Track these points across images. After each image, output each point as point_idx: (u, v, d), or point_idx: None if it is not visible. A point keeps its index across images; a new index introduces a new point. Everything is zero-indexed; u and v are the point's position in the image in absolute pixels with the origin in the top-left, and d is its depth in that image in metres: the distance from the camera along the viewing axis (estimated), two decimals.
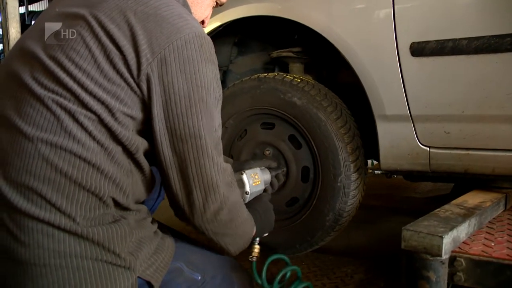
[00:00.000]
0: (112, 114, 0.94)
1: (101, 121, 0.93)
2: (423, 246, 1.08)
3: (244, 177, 1.38)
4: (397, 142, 1.58)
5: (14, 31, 6.20)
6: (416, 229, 1.10)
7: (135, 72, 0.95)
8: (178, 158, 1.01)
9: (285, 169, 1.69)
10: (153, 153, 1.05)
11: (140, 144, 1.01)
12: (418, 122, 1.53)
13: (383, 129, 1.59)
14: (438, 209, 1.32)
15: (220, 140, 1.08)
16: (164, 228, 1.20)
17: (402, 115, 1.54)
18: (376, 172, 4.34)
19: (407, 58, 1.49)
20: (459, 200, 1.46)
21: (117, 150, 0.97)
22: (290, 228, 1.84)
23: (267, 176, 1.51)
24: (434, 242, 1.07)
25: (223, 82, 2.33)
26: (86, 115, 0.92)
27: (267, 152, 1.86)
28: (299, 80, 1.77)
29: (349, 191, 1.70)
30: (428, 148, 1.56)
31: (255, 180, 1.42)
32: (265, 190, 1.53)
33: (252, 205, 1.38)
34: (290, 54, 1.97)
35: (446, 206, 1.36)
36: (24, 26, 6.98)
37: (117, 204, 0.99)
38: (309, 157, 1.78)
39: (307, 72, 2.09)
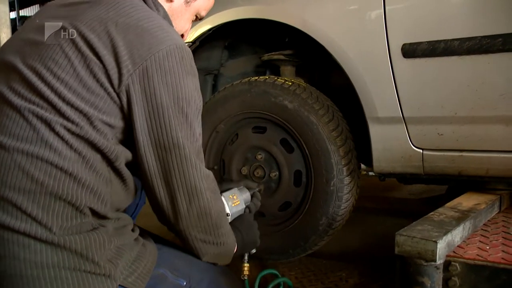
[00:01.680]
0: (91, 123, 0.94)
1: (78, 130, 0.93)
2: (417, 251, 1.06)
3: (222, 199, 1.36)
4: (390, 144, 1.56)
5: (5, 36, 6.14)
6: (410, 234, 1.07)
7: (115, 82, 0.95)
8: (162, 168, 1.02)
9: (260, 188, 1.67)
10: (135, 163, 1.05)
11: (119, 153, 1.00)
12: (411, 124, 1.51)
13: (375, 131, 1.57)
14: (432, 213, 1.30)
15: (201, 148, 1.09)
16: (146, 235, 1.18)
17: (394, 117, 1.53)
18: (371, 174, 4.33)
19: (399, 59, 1.47)
20: (453, 202, 1.44)
21: (95, 158, 0.96)
22: (283, 233, 1.81)
23: (246, 195, 1.49)
24: (428, 247, 1.05)
25: (214, 86, 2.31)
26: (62, 124, 0.92)
27: (259, 157, 1.84)
28: (290, 83, 1.75)
29: (342, 195, 1.68)
30: (421, 150, 1.54)
31: (234, 201, 1.40)
32: (247, 209, 1.51)
33: (234, 224, 1.37)
34: (281, 57, 1.95)
35: (440, 209, 1.34)
36: (15, 31, 6.92)
37: (94, 213, 0.97)
38: (301, 161, 1.76)
39: (299, 75, 2.07)
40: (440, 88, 1.45)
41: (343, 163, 1.66)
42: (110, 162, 0.99)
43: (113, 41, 0.95)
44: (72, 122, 0.92)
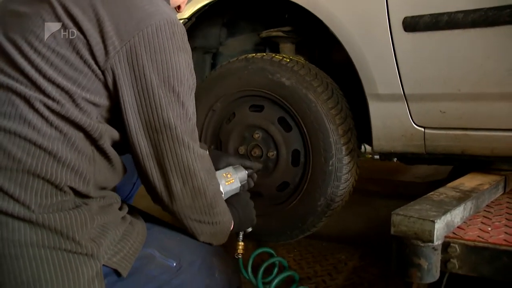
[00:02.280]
0: (73, 101, 0.91)
1: (59, 108, 0.89)
2: (413, 232, 1.01)
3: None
4: (390, 122, 1.50)
5: None
6: (406, 214, 1.03)
7: (101, 59, 0.91)
8: (154, 149, 1.00)
9: (257, 168, 1.64)
10: (124, 143, 1.02)
11: (104, 131, 0.97)
12: (412, 101, 1.45)
13: (375, 109, 1.52)
14: (432, 193, 1.25)
15: (195, 127, 1.07)
16: (135, 214, 1.15)
17: (395, 94, 1.46)
18: (376, 157, 4.27)
19: (400, 33, 1.41)
20: (455, 182, 1.39)
21: (77, 136, 0.93)
22: (281, 214, 1.77)
23: (241, 174, 1.46)
24: (425, 227, 1.00)
25: (213, 65, 2.26)
26: (42, 101, 0.88)
27: (257, 136, 1.79)
28: (288, 60, 1.69)
29: (341, 175, 1.63)
30: (422, 129, 1.48)
31: (228, 179, 1.39)
32: (242, 188, 1.48)
33: (230, 201, 1.35)
34: (280, 33, 1.89)
35: (441, 189, 1.29)
36: None
37: (76, 191, 0.94)
38: (300, 140, 1.70)
39: (299, 52, 2.00)
40: (443, 63, 1.38)
41: (342, 142, 1.60)
42: (93, 141, 0.96)
43: (99, 16, 0.91)
44: (53, 99, 0.89)
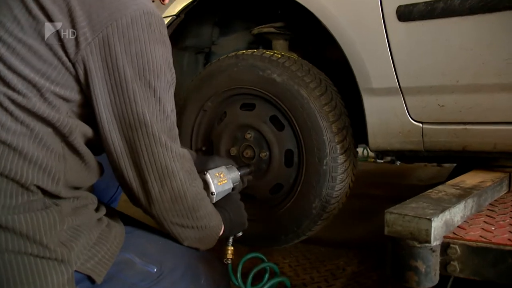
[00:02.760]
0: (41, 95, 0.85)
1: (25, 101, 0.83)
2: (409, 231, 0.93)
3: (208, 177, 1.29)
4: (386, 118, 1.42)
5: None
6: (401, 212, 0.95)
7: (71, 51, 0.85)
8: (129, 147, 0.94)
9: (250, 169, 1.58)
10: (98, 141, 0.96)
11: (74, 127, 0.91)
12: (409, 95, 1.37)
13: (370, 104, 1.44)
14: (430, 190, 1.17)
15: (174, 125, 1.01)
16: (115, 216, 1.09)
17: (390, 88, 1.39)
18: (379, 161, 4.18)
19: (394, 23, 1.33)
20: (456, 180, 1.30)
21: (46, 132, 0.87)
22: (274, 218, 1.69)
23: (234, 174, 1.41)
24: (421, 226, 0.92)
25: (206, 65, 2.19)
26: (6, 95, 0.83)
27: (248, 136, 1.71)
28: (279, 56, 1.62)
29: (336, 175, 1.55)
30: (420, 124, 1.40)
31: (220, 179, 1.33)
32: (234, 190, 1.43)
33: (220, 204, 1.30)
34: (272, 29, 1.83)
35: (440, 187, 1.21)
36: None
37: (45, 191, 0.87)
38: (293, 139, 1.63)
39: (292, 49, 1.93)
40: (440, 54, 1.30)
41: (336, 140, 1.53)
42: (63, 137, 0.90)
43: (70, 5, 0.86)
44: (19, 92, 0.83)
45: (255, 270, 1.40)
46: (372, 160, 4.15)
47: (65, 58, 0.85)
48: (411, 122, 1.39)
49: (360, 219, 2.36)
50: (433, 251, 0.94)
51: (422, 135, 1.39)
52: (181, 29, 1.94)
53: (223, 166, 1.40)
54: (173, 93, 1.02)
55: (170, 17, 1.79)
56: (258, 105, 1.70)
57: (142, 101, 0.91)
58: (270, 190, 1.72)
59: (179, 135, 1.76)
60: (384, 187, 3.15)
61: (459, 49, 1.28)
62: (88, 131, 0.94)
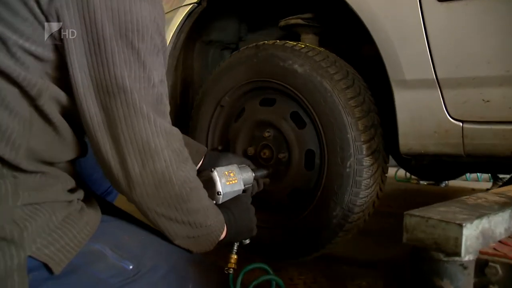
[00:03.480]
0: (7, 49, 0.75)
1: None
2: (433, 240, 0.74)
3: (215, 174, 1.17)
4: (419, 115, 1.23)
5: None
6: (424, 215, 0.75)
7: (44, 1, 0.76)
8: (107, 117, 0.83)
9: (267, 171, 1.46)
10: (76, 110, 0.84)
11: (44, 89, 0.80)
12: (447, 88, 1.18)
13: (401, 99, 1.25)
14: (466, 196, 0.96)
15: (162, 98, 0.89)
16: (93, 202, 0.95)
17: (425, 80, 1.19)
18: (422, 182, 3.89)
19: (432, 3, 1.15)
20: (501, 189, 1.09)
21: (10, 92, 0.77)
22: (290, 227, 1.51)
23: (247, 175, 1.28)
24: (449, 232, 0.72)
25: None
26: None
27: (267, 134, 1.55)
28: (302, 46, 1.47)
29: (361, 180, 1.36)
30: (460, 123, 1.19)
31: (229, 178, 1.20)
32: (245, 192, 1.29)
33: (226, 205, 1.16)
34: (300, 21, 1.67)
35: (480, 194, 1.00)
36: None
37: (1, 159, 0.77)
38: (315, 138, 1.46)
39: (323, 46, 1.76)
40: (486, 39, 1.10)
41: (362, 140, 1.34)
42: (31, 100, 0.79)
43: None
44: None
45: (255, 283, 1.23)
46: (415, 181, 3.88)
47: (37, 10, 0.76)
48: (449, 120, 1.19)
49: (393, 239, 2.12)
50: (465, 268, 0.74)
51: (462, 136, 1.18)
52: (205, 21, 1.83)
53: (235, 165, 1.27)
54: (163, 62, 0.90)
55: (191, 5, 1.69)
56: (279, 100, 1.54)
57: (122, 63, 0.80)
58: (288, 195, 1.54)
59: (194, 132, 1.64)
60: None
61: (510, 33, 1.07)
62: (62, 96, 0.83)
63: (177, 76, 1.88)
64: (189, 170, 0.93)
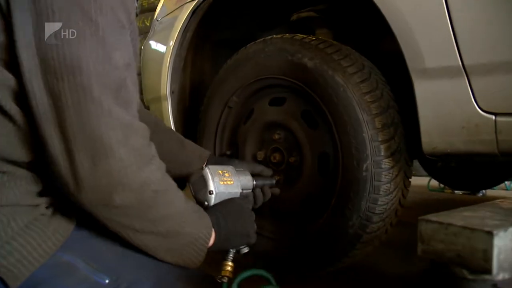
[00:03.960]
0: None
1: None
2: (455, 252, 0.59)
3: (206, 172, 1.06)
4: (444, 109, 1.07)
5: None
6: (444, 220, 0.60)
7: None
8: (54, 104, 0.70)
9: (275, 179, 1.32)
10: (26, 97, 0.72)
11: None
12: (476, 75, 1.01)
13: (422, 91, 1.09)
14: (500, 199, 0.80)
15: (126, 84, 0.76)
16: (65, 208, 0.83)
17: (450, 67, 1.04)
18: (458, 192, 3.65)
19: None
20: None
21: None
22: (302, 238, 1.37)
23: (245, 179, 1.16)
24: (476, 243, 0.57)
25: None
26: None
27: (277, 136, 1.42)
28: (312, 38, 1.34)
29: (380, 184, 1.20)
30: (493, 116, 1.02)
31: (224, 178, 1.08)
32: (243, 196, 1.15)
33: (216, 207, 1.03)
34: (312, 14, 1.55)
35: None
36: None
37: None
38: (328, 139, 1.31)
39: (339, 42, 1.63)
40: None
41: (380, 139, 1.19)
42: None
43: None
44: None
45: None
46: (450, 191, 3.64)
47: None
48: (480, 113, 1.02)
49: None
50: None
51: (496, 131, 1.01)
52: (213, 18, 1.73)
53: (231, 166, 1.15)
54: (130, 44, 0.78)
55: (196, 0, 1.59)
56: (289, 99, 1.41)
57: (73, 39, 0.69)
58: (300, 203, 1.40)
59: (202, 136, 1.53)
60: None
61: None
62: (12, 81, 0.72)
63: (185, 77, 1.77)
64: (153, 171, 0.79)
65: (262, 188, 1.24)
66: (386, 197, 1.23)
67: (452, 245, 0.58)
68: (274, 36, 1.42)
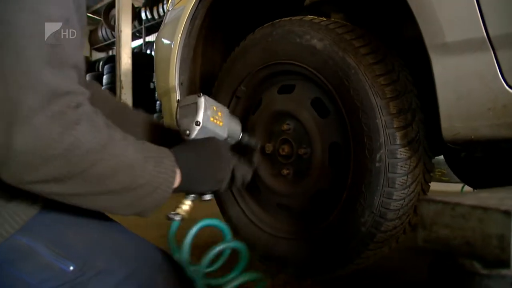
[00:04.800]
0: None
1: None
2: (464, 239, 0.47)
3: (202, 101, 0.95)
4: (467, 88, 0.93)
5: (126, 56, 6.54)
6: (450, 200, 0.48)
7: None
8: None
9: (256, 143, 1.19)
10: None
11: None
12: (504, 48, 0.88)
13: (442, 68, 0.96)
14: None
15: (61, 42, 0.65)
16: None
17: (473, 40, 0.91)
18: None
19: None
20: None
21: None
22: (312, 237, 1.25)
23: (235, 127, 1.07)
24: (491, 227, 0.45)
25: None
26: None
27: (286, 127, 1.32)
28: (323, 19, 1.23)
29: (395, 177, 1.07)
30: None
31: (216, 116, 0.97)
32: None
33: (188, 144, 0.92)
34: None
35: None
36: (141, 55, 7.39)
37: None
38: (339, 128, 1.20)
39: None
40: None
41: (395, 126, 1.06)
42: None
43: None
44: None
45: (217, 248, 0.93)
46: None
47: None
48: (508, 91, 0.89)
49: None
50: None
51: None
52: (223, 6, 1.64)
53: (226, 108, 1.06)
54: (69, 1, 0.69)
55: None
56: (298, 86, 1.31)
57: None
58: (310, 199, 1.28)
59: None
60: None
61: None
62: None
63: (195, 69, 1.69)
64: (83, 132, 0.65)
65: (248, 142, 1.15)
66: (403, 191, 1.10)
67: (459, 230, 0.46)
68: (283, 19, 1.32)
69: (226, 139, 1.02)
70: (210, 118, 0.95)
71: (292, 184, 1.32)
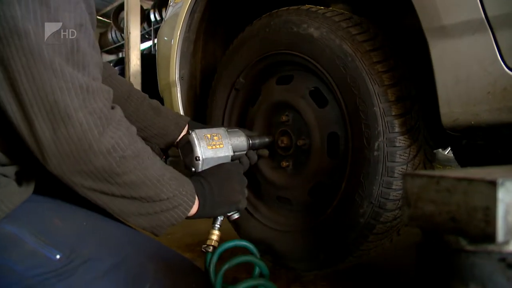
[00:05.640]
0: None
1: None
2: (449, 215, 0.45)
3: (192, 137, 1.01)
4: (466, 72, 0.91)
5: (135, 58, 6.56)
6: (435, 174, 0.46)
7: None
8: (5, 70, 0.67)
9: (270, 139, 1.28)
10: None
11: None
12: (502, 28, 0.85)
13: (439, 52, 0.93)
14: None
15: (80, 46, 0.71)
16: (32, 179, 0.76)
17: (470, 21, 0.88)
18: None
19: None
20: None
21: None
22: (311, 230, 1.23)
23: (238, 140, 1.09)
24: (476, 199, 0.43)
25: None
26: None
27: (285, 118, 1.30)
28: (320, 7, 1.21)
29: (395, 166, 1.05)
30: None
31: (212, 142, 1.02)
32: (235, 159, 1.10)
33: (203, 173, 0.98)
34: None
35: None
36: (150, 57, 7.42)
37: None
38: (338, 117, 1.17)
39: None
40: None
41: (393, 113, 1.04)
42: None
43: None
44: None
45: (226, 266, 0.94)
46: None
47: None
48: (508, 74, 0.86)
49: None
50: (509, 266, 0.44)
51: None
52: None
53: (222, 128, 1.09)
54: (83, 5, 0.73)
55: None
56: (296, 76, 1.29)
57: (13, 1, 0.64)
58: (310, 191, 1.26)
59: (209, 121, 1.43)
60: None
61: None
62: None
63: (195, 63, 1.68)
64: (121, 136, 0.73)
65: (257, 148, 1.23)
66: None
67: (444, 205, 0.43)
68: (280, 9, 1.30)
69: (234, 155, 1.07)
70: (208, 147, 1.00)
71: (291, 176, 1.30)
